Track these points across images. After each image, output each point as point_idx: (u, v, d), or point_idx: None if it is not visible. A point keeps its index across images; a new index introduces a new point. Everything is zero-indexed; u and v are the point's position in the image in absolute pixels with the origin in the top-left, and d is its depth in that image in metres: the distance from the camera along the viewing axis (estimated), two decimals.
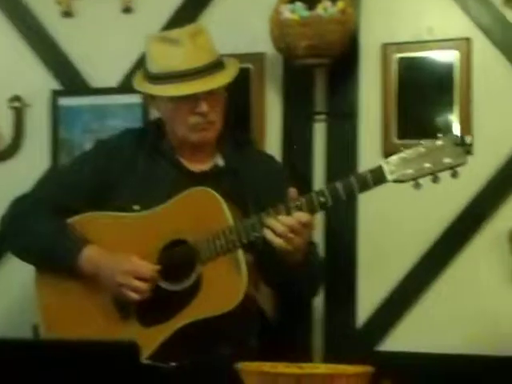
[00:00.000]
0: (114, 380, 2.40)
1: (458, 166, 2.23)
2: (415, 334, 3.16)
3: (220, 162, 2.55)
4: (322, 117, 3.25)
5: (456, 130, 3.09)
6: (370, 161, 3.16)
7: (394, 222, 3.19)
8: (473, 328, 3.10)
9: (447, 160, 2.23)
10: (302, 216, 2.26)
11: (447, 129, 3.10)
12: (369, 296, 3.21)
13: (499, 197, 3.11)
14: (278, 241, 2.26)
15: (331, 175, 3.19)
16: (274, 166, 2.67)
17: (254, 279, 2.41)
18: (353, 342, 3.19)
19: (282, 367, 2.02)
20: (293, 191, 2.28)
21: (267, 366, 2.02)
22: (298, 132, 3.26)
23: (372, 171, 2.28)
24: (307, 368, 2.03)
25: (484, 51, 3.12)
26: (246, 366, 1.99)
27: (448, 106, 3.13)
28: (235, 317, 2.33)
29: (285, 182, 2.48)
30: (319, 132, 3.26)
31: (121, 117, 3.37)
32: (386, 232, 3.20)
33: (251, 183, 2.51)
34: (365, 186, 2.29)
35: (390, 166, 2.27)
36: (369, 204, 3.15)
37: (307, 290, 2.59)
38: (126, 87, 3.34)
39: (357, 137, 3.22)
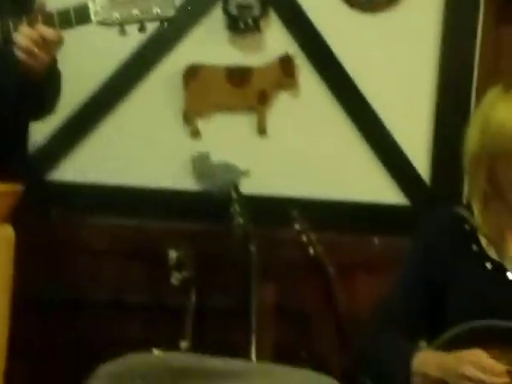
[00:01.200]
0: None
1: (166, 17, 2.22)
2: (86, 165, 3.20)
3: None
4: None
5: None
6: None
7: (75, 54, 3.11)
8: (155, 162, 3.21)
9: (156, 10, 2.20)
10: (46, 31, 2.13)
11: None
12: (42, 123, 3.16)
13: (176, 35, 3.17)
14: (22, 56, 2.15)
15: None
16: None
17: None
18: (24, 168, 3.15)
19: None
20: (42, 2, 2.15)
21: None
22: None
23: (76, 9, 2.18)
24: None
25: None
26: None
27: None
28: None
29: None
30: None
31: None
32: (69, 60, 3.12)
33: None
34: (66, 23, 2.19)
35: (97, 6, 2.18)
36: None
37: (45, 105, 2.46)
38: None
39: None
